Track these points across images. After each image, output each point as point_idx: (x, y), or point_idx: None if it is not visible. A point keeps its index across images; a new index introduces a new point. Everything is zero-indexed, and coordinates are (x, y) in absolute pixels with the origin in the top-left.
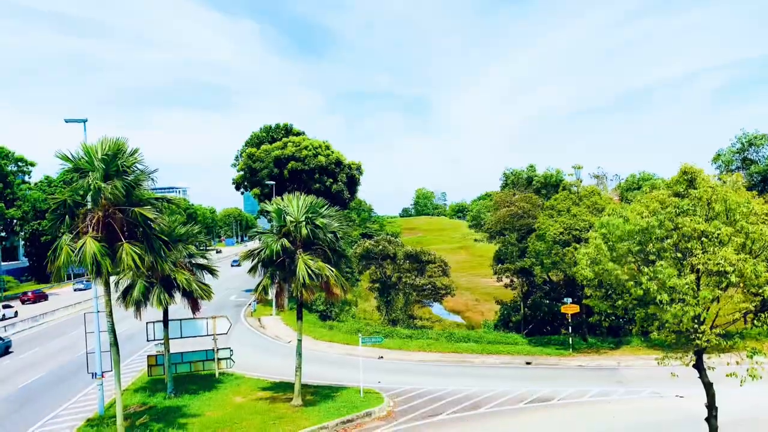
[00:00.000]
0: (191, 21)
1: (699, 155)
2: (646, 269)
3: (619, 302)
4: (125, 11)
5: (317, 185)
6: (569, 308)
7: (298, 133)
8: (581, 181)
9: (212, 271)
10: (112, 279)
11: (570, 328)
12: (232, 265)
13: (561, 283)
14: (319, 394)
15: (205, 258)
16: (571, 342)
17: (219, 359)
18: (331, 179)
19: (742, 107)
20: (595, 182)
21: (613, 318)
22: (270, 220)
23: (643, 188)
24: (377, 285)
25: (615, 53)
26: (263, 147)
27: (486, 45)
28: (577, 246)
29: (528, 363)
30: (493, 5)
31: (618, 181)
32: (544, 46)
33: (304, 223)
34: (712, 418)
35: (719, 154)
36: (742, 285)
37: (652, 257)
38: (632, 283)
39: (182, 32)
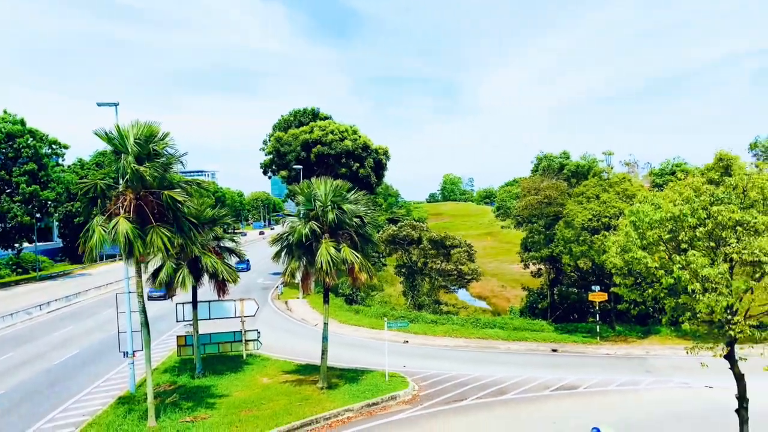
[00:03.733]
0: (221, 3)
1: (736, 142)
2: (677, 258)
3: (649, 291)
4: None
5: (344, 169)
6: (597, 296)
7: (325, 118)
8: (612, 168)
9: (240, 255)
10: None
11: (597, 316)
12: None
13: (589, 271)
14: (344, 377)
15: (233, 241)
16: (598, 330)
17: (247, 341)
18: (358, 164)
19: None
20: (627, 169)
21: (642, 306)
22: (297, 204)
23: (676, 175)
24: (403, 270)
25: (653, 35)
26: (291, 131)
27: (520, 27)
28: (606, 233)
29: (554, 350)
30: None
31: (650, 169)
32: (581, 28)
33: (330, 207)
34: (742, 410)
35: (756, 142)
36: None
37: (684, 246)
38: (663, 271)
39: (212, 14)
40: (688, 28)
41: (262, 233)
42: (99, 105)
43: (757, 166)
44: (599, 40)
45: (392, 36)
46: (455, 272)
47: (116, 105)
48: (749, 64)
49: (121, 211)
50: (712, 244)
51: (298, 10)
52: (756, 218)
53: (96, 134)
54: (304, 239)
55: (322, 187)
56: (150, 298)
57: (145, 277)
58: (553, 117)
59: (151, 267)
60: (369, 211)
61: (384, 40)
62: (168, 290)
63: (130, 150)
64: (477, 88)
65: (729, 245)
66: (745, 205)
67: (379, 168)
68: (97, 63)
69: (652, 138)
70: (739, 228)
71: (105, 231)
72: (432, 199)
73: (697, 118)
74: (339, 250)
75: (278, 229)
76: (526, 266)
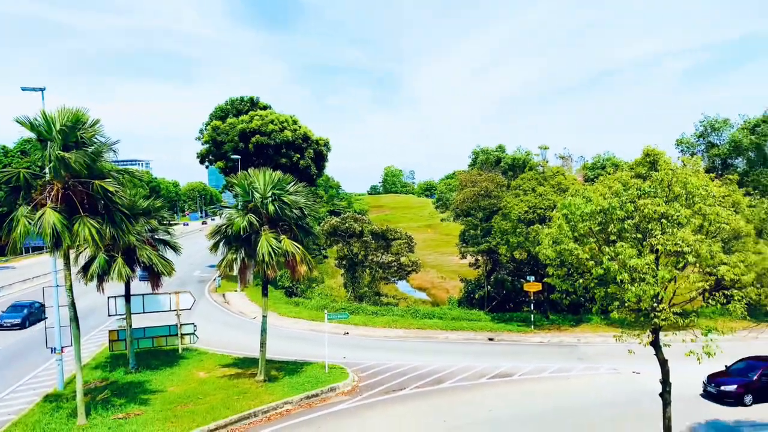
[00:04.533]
0: None
1: (664, 138)
2: (606, 249)
3: (580, 281)
4: None
5: (284, 160)
6: (532, 286)
7: (264, 107)
8: (547, 162)
9: (175, 248)
10: (72, 253)
11: (532, 305)
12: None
13: (524, 262)
14: (283, 370)
15: (168, 233)
16: (532, 319)
17: (182, 334)
18: (298, 155)
19: (706, 91)
20: (561, 163)
21: (574, 296)
22: (235, 195)
23: (606, 169)
24: (344, 262)
25: (584, 33)
26: (229, 120)
27: (458, 18)
28: (541, 226)
29: (491, 339)
30: None
31: (583, 162)
32: (517, 23)
33: (270, 199)
34: (666, 393)
35: (682, 139)
36: (698, 265)
37: (612, 237)
38: (593, 262)
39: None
40: (616, 27)
41: (204, 223)
42: (24, 89)
43: (682, 162)
44: (533, 36)
45: (330, 25)
46: (396, 264)
47: (42, 90)
48: (672, 63)
49: (48, 201)
50: (639, 236)
51: None
52: (679, 211)
53: (18, 121)
54: (242, 231)
55: (261, 178)
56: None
57: (75, 269)
58: (490, 110)
59: (82, 259)
60: (310, 203)
61: (322, 28)
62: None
63: (55, 138)
64: (415, 80)
65: (654, 237)
66: (669, 198)
67: (320, 159)
68: (22, 45)
69: (585, 133)
70: (663, 220)
71: (30, 222)
72: (373, 191)
73: (627, 114)
74: (279, 242)
75: (210, 222)
76: (464, 257)
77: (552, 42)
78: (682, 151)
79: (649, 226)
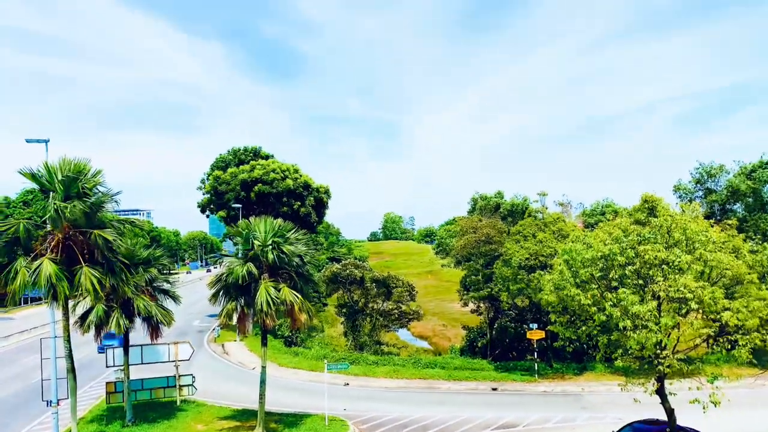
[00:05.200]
0: (159, 41)
1: (661, 183)
2: (609, 295)
3: (583, 328)
4: (92, 29)
5: (285, 208)
6: (534, 334)
7: (266, 156)
8: (546, 208)
9: (174, 298)
10: (71, 303)
11: (535, 353)
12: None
13: (527, 309)
14: (283, 422)
15: (168, 282)
16: (536, 368)
17: (181, 386)
18: (299, 202)
19: (700, 137)
20: (560, 209)
21: (577, 344)
22: (236, 244)
23: (606, 215)
24: (344, 310)
25: (579, 82)
26: (230, 170)
27: (455, 71)
28: (542, 272)
29: (494, 389)
30: (464, 33)
31: (582, 209)
32: (514, 73)
33: (270, 247)
34: None
35: (679, 185)
36: (701, 311)
37: (614, 284)
38: (595, 308)
39: (150, 52)
40: (611, 76)
41: (209, 270)
42: (28, 141)
43: (681, 208)
44: (528, 86)
45: (331, 76)
46: (397, 312)
47: (47, 141)
48: (665, 110)
49: (48, 252)
50: (641, 282)
51: (238, 48)
52: (680, 257)
53: (21, 173)
54: (241, 280)
55: (262, 226)
56: None
57: (72, 320)
58: (488, 157)
59: (80, 310)
60: (310, 251)
61: (324, 80)
62: None
63: (57, 188)
64: (415, 129)
65: (656, 283)
66: (669, 244)
67: (321, 207)
68: (26, 98)
69: (582, 179)
70: (665, 266)
71: (28, 272)
72: (373, 237)
73: (623, 160)
74: (278, 291)
75: (214, 270)
76: (466, 304)
77: (548, 92)
78: (680, 197)
79: (651, 272)
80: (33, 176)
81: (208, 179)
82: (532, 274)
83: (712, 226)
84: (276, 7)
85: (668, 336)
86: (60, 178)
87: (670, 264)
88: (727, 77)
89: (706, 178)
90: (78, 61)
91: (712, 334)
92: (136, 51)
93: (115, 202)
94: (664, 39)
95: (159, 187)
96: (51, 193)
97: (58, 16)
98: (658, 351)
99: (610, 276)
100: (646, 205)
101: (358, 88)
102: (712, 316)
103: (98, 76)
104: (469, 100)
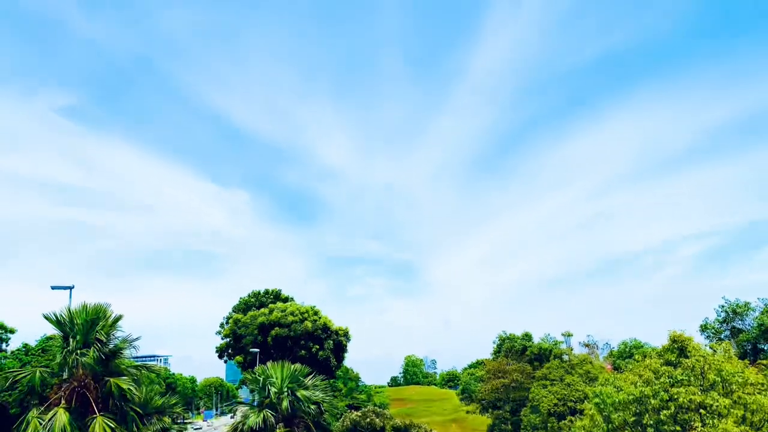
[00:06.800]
0: (183, 190)
1: (685, 319)
2: None
3: None
4: (117, 180)
5: (303, 352)
6: None
7: (286, 299)
8: (572, 349)
9: None
10: None
11: None
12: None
13: None
14: None
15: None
16: None
17: None
18: (318, 345)
19: (722, 274)
20: (587, 350)
21: None
22: (252, 391)
23: (634, 356)
24: None
25: (593, 223)
26: (250, 313)
27: (475, 208)
28: (573, 418)
29: None
30: (477, 178)
31: (609, 349)
32: (533, 212)
33: (286, 394)
34: None
35: (707, 324)
36: None
37: (650, 430)
38: None
39: (174, 201)
40: (629, 214)
41: (233, 416)
42: (53, 288)
43: (711, 347)
44: (547, 226)
45: (350, 219)
46: None
47: (71, 288)
48: (686, 249)
49: (62, 401)
50: (678, 428)
51: (260, 195)
52: (717, 401)
53: (45, 317)
54: (257, 429)
55: (278, 371)
56: None
57: None
58: (510, 296)
59: None
60: (327, 397)
61: (343, 223)
62: None
63: (77, 334)
64: (434, 268)
65: (694, 429)
66: (705, 386)
67: (339, 350)
68: (52, 246)
69: (604, 315)
70: (702, 411)
71: (41, 423)
72: (393, 382)
73: (647, 298)
74: None
75: (223, 419)
76: None
77: (567, 231)
78: (707, 336)
79: (687, 416)
80: (57, 322)
81: (227, 323)
82: (562, 422)
83: (747, 367)
84: (296, 155)
85: None
86: (79, 322)
87: (708, 408)
88: (744, 215)
89: (732, 316)
90: (102, 209)
91: None
92: (158, 200)
93: (135, 348)
94: (675, 179)
95: (178, 332)
96: (70, 338)
97: (93, 170)
98: None
99: (645, 421)
100: (676, 345)
101: (375, 231)
102: None
103: (121, 224)
104: (487, 240)
